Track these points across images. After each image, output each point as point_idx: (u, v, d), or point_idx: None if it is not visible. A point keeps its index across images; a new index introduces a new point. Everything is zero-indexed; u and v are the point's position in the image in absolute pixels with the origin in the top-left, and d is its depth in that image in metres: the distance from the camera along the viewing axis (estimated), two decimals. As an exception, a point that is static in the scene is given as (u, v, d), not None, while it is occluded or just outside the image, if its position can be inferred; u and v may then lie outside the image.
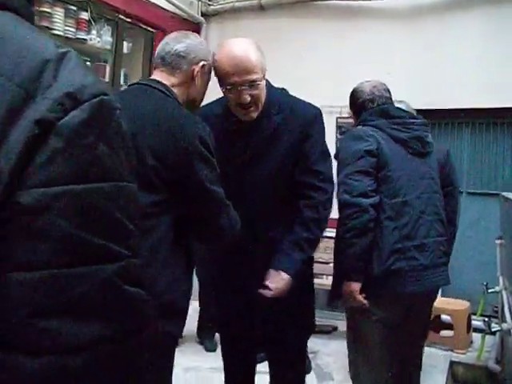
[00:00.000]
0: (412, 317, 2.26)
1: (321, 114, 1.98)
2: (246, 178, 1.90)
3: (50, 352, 0.48)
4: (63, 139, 0.48)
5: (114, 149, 0.52)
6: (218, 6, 5.40)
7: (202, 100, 1.77)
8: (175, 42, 1.66)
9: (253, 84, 1.78)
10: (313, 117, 1.94)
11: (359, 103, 2.35)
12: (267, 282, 1.81)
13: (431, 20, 4.61)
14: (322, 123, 1.98)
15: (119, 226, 0.53)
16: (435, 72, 4.53)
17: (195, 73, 1.65)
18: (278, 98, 1.94)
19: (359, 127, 2.29)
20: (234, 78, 1.76)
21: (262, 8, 5.18)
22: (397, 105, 2.44)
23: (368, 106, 2.31)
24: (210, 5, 5.41)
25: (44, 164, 0.48)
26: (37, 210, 0.48)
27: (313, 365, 3.58)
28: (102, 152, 0.51)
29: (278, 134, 1.89)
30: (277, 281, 1.82)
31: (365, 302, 2.12)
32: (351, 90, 2.42)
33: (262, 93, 1.85)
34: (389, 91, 2.36)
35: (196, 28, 5.10)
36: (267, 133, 1.89)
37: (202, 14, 5.38)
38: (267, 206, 1.91)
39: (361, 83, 2.39)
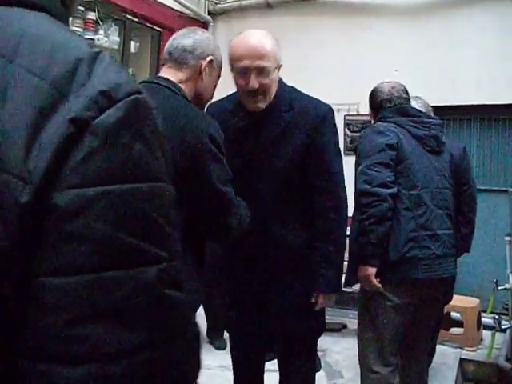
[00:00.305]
0: (425, 305, 2.33)
1: (332, 112, 1.98)
2: (255, 176, 1.89)
3: (88, 360, 0.45)
4: (99, 138, 0.47)
5: (150, 148, 0.50)
6: (225, 5, 5.41)
7: (210, 97, 1.76)
8: (182, 38, 1.66)
9: (263, 71, 1.76)
10: (324, 115, 1.92)
11: (377, 102, 2.45)
12: (313, 300, 1.94)
13: (436, 17, 4.59)
14: (334, 121, 1.97)
15: (157, 227, 0.50)
16: (441, 69, 4.51)
17: (202, 68, 1.63)
18: (289, 95, 1.93)
19: (379, 123, 2.38)
20: (246, 61, 1.76)
21: (269, 6, 5.18)
22: (413, 101, 2.55)
23: (386, 106, 2.41)
24: (217, 3, 5.41)
25: (79, 164, 0.46)
26: (73, 212, 0.46)
27: (322, 363, 3.56)
28: (138, 151, 0.49)
29: (288, 132, 1.88)
30: (321, 302, 1.93)
31: (379, 285, 2.21)
32: (371, 90, 2.51)
33: (273, 84, 1.84)
34: (407, 92, 2.46)
35: (203, 27, 5.08)
36: (277, 130, 1.88)
37: (209, 13, 5.38)
38: (276, 204, 1.90)
39: (380, 83, 2.50)
